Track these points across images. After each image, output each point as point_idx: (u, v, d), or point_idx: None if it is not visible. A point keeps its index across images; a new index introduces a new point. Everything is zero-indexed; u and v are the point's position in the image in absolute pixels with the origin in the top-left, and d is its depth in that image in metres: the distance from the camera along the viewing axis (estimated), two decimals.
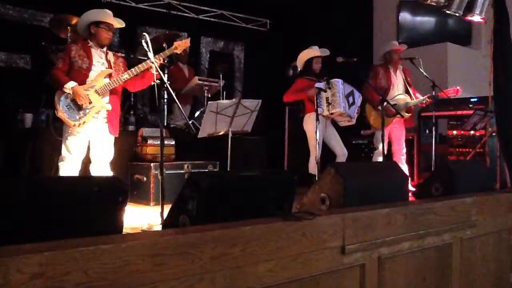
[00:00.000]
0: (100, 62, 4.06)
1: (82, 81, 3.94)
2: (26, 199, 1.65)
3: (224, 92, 6.73)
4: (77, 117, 3.91)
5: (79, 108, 3.92)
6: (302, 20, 8.01)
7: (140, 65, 3.98)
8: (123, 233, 1.89)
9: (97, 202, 1.85)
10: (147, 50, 3.46)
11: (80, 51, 3.99)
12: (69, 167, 3.93)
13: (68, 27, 5.53)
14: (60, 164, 3.96)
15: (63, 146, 3.97)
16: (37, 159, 4.84)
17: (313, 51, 5.19)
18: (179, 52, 4.16)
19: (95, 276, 1.41)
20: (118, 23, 4.07)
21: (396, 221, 2.43)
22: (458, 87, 5.28)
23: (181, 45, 4.05)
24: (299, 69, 5.39)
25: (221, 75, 6.51)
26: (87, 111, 3.93)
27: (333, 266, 2.11)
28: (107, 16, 4.00)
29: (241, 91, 8.69)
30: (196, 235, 1.68)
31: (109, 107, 4.03)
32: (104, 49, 4.12)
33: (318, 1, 7.71)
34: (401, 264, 2.48)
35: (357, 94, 5.10)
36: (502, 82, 3.96)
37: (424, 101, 5.25)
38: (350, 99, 5.03)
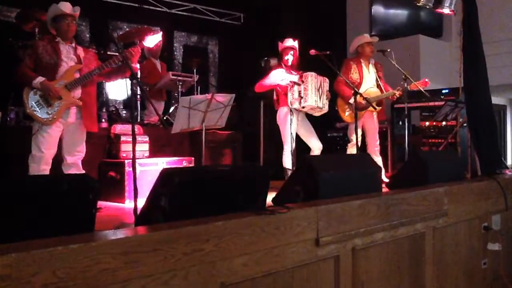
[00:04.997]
0: (69, 57, 3.98)
1: (51, 77, 3.85)
2: None
3: (199, 87, 6.68)
4: (47, 114, 3.83)
5: (49, 104, 3.84)
6: (276, 13, 8.00)
7: (111, 60, 3.91)
8: (95, 231, 1.86)
9: (67, 200, 1.81)
10: (118, 47, 3.40)
11: (47, 47, 3.91)
12: (39, 165, 3.83)
13: (35, 22, 5.39)
14: (31, 162, 3.86)
15: (33, 144, 3.87)
16: (6, 158, 4.72)
17: (282, 43, 5.22)
18: (151, 47, 4.10)
19: (64, 276, 1.39)
20: (74, 10, 3.98)
21: (369, 212, 2.45)
22: (426, 79, 5.35)
23: (152, 39, 3.99)
24: (276, 61, 5.40)
25: (195, 70, 6.45)
26: (57, 107, 3.85)
27: (307, 259, 2.12)
28: (60, 8, 3.92)
29: (216, 85, 8.64)
30: (169, 231, 1.66)
31: (80, 103, 3.95)
32: (73, 44, 4.04)
33: None
34: (375, 255, 2.51)
35: (323, 80, 5.10)
36: (471, 73, 4.03)
37: (393, 95, 5.31)
38: (321, 90, 5.05)
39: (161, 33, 4.11)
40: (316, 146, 5.25)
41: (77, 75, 3.95)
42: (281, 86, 5.04)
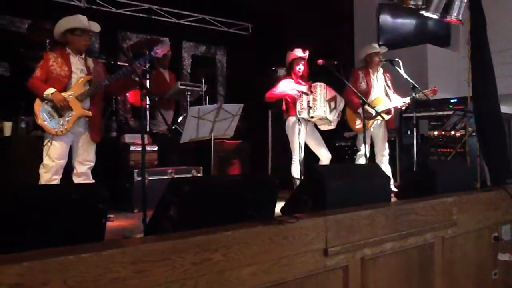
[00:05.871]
0: (79, 68, 4.02)
1: (61, 88, 3.90)
2: (4, 208, 1.63)
3: (207, 97, 6.71)
4: (58, 124, 3.88)
5: (60, 115, 3.89)
6: (284, 23, 8.04)
7: (120, 71, 3.95)
8: (105, 240, 1.87)
9: (77, 210, 1.83)
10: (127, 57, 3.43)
11: (58, 59, 3.96)
12: (50, 175, 3.87)
13: (47, 34, 5.46)
14: (42, 172, 3.91)
15: (44, 153, 3.92)
16: (17, 168, 4.76)
17: (293, 53, 5.25)
18: (159, 57, 4.13)
19: (75, 285, 1.40)
20: (94, 28, 4.03)
21: (378, 222, 2.45)
22: (435, 87, 5.34)
23: (161, 49, 4.02)
24: (284, 70, 5.43)
25: (203, 80, 6.49)
26: (68, 118, 3.90)
27: (316, 269, 2.12)
28: (80, 22, 3.95)
29: (224, 95, 8.67)
30: (177, 241, 1.67)
31: (90, 113, 4.00)
32: (83, 55, 4.09)
33: (299, 5, 7.75)
34: (384, 265, 2.50)
35: (339, 99, 5.14)
36: (479, 82, 4.02)
37: (402, 104, 5.31)
38: (332, 104, 5.06)
39: (169, 43, 4.14)
40: (324, 156, 5.25)
41: (87, 86, 3.99)
42: (290, 95, 5.07)
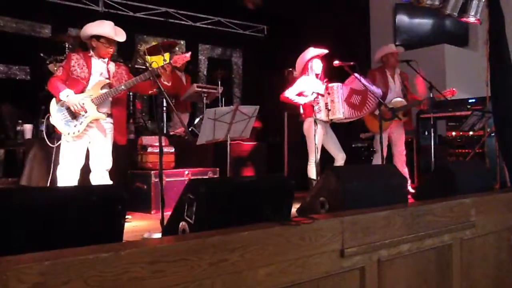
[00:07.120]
0: (99, 72, 4.06)
1: (80, 90, 3.94)
2: (24, 210, 1.67)
3: (223, 99, 6.75)
4: (71, 126, 3.91)
5: (74, 116, 3.92)
6: (299, 25, 8.04)
7: (138, 77, 3.97)
8: (123, 241, 1.90)
9: (96, 211, 1.86)
10: (145, 61, 3.45)
11: (80, 60, 4.01)
12: (67, 176, 3.92)
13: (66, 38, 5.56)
14: (59, 173, 3.96)
15: (60, 155, 3.97)
16: (37, 170, 4.84)
17: (312, 50, 5.19)
18: (178, 66, 4.16)
19: (95, 285, 1.43)
20: (119, 37, 4.06)
21: (395, 223, 2.43)
22: (453, 88, 5.28)
23: (180, 58, 4.04)
24: (299, 70, 5.35)
25: (219, 82, 6.53)
26: (82, 120, 3.93)
27: (332, 270, 2.12)
28: (108, 30, 3.99)
29: (240, 97, 8.71)
30: (195, 241, 1.69)
31: (103, 116, 4.01)
32: (106, 59, 4.12)
33: (314, 6, 7.75)
34: (401, 267, 2.48)
35: (372, 87, 4.87)
36: (498, 82, 3.97)
37: (420, 104, 5.26)
38: (356, 98, 4.92)
39: (190, 53, 4.16)
40: (340, 157, 5.22)
41: (104, 90, 4.01)
42: (305, 103, 5.02)
